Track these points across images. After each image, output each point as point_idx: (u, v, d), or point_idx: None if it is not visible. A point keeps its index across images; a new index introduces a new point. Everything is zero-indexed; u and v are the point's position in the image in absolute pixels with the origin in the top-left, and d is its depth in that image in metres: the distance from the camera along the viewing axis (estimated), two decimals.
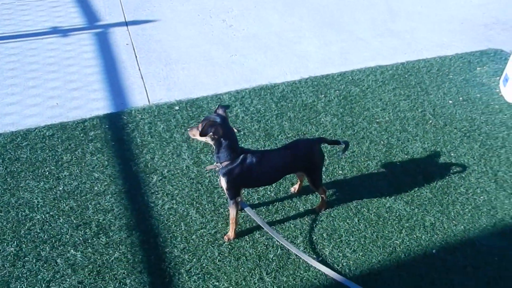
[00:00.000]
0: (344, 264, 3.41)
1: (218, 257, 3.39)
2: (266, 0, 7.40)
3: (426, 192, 4.05)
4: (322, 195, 3.76)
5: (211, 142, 3.15)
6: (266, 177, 3.45)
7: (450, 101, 5.43)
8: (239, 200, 3.39)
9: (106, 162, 4.15)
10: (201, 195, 3.88)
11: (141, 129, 4.54)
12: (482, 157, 4.54)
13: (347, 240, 3.58)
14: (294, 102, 5.15)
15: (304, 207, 3.85)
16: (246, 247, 3.48)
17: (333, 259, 3.45)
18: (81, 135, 4.43)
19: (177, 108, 4.87)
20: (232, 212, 3.42)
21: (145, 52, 5.76)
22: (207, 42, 6.15)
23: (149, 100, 4.97)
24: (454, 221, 3.79)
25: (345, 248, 3.53)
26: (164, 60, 5.66)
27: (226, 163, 3.19)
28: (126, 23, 6.23)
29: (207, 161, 4.23)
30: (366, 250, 3.51)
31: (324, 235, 3.62)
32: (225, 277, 3.24)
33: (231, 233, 3.52)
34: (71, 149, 4.25)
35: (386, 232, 3.67)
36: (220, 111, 3.18)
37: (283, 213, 3.79)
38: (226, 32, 6.44)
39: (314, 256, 3.44)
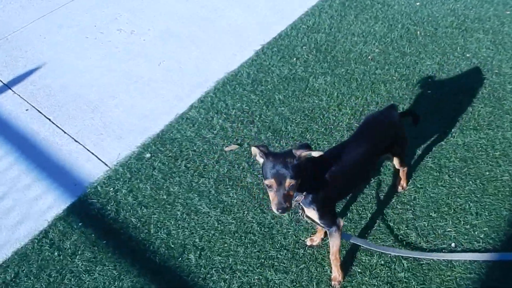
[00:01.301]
0: (477, 235, 2.65)
1: None
2: None
3: None
4: (405, 168, 2.91)
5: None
6: (360, 175, 2.54)
7: (417, 3, 4.83)
8: (341, 224, 2.41)
9: (115, 272, 2.81)
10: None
11: (125, 203, 3.21)
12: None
13: (458, 206, 2.83)
14: (272, 81, 4.13)
15: (371, 198, 2.98)
16: (370, 278, 2.54)
17: (462, 237, 2.67)
18: (51, 253, 2.99)
19: (148, 155, 3.58)
20: (337, 242, 2.45)
21: (55, 108, 4.22)
22: (119, 61, 4.76)
23: (106, 163, 3.60)
24: None
25: (464, 216, 2.77)
26: (86, 107, 4.20)
27: (305, 193, 2.21)
28: (7, 86, 4.54)
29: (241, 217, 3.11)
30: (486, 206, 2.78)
31: (431, 213, 2.82)
32: None
33: (338, 274, 2.55)
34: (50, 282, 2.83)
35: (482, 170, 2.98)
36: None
37: (361, 221, 2.89)
38: (132, 41, 5.07)
39: (444, 246, 2.64)
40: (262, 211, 3.02)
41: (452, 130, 3.37)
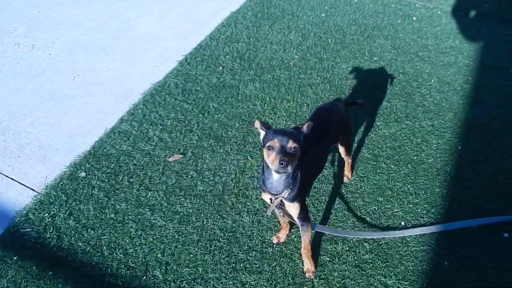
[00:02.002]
0: (419, 212, 2.99)
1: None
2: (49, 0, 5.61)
3: None
4: (350, 160, 3.14)
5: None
6: (320, 163, 2.68)
7: (323, 14, 5.24)
8: (310, 217, 2.51)
9: None
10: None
11: (67, 228, 2.90)
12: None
13: (399, 189, 3.16)
14: (202, 89, 4.11)
15: (327, 189, 3.19)
16: (339, 264, 2.68)
17: (409, 216, 2.99)
18: None
19: (83, 174, 3.29)
20: (308, 235, 2.55)
21: None
22: (25, 77, 4.30)
23: (33, 188, 3.21)
24: None
25: (406, 197, 3.10)
26: None
27: (291, 185, 2.27)
28: None
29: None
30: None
31: (378, 198, 3.10)
32: None
33: (311, 265, 2.65)
34: None
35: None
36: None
37: (318, 213, 3.06)
38: (36, 56, 4.63)
39: (395, 226, 2.91)
40: (221, 217, 2.99)
41: (378, 123, 3.72)
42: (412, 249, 2.76)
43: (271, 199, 2.34)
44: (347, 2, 5.49)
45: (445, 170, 3.29)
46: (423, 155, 3.43)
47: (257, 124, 2.16)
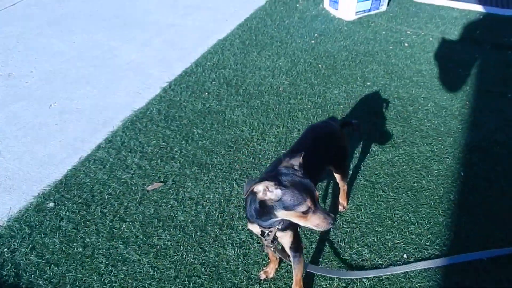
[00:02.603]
0: (423, 243, 2.70)
1: None
2: (30, 26, 5.45)
3: None
4: (345, 186, 2.87)
5: None
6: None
7: (312, 41, 5.11)
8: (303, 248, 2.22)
9: None
10: None
11: (27, 264, 2.55)
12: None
13: (399, 218, 2.88)
14: (186, 115, 3.88)
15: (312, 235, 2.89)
16: None
17: (411, 247, 2.69)
18: None
19: (52, 205, 2.98)
20: (301, 269, 2.24)
21: None
22: (1, 107, 4.07)
23: None
24: None
25: (407, 227, 2.82)
26: None
27: None
28: None
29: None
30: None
31: (377, 228, 2.81)
32: None
33: None
34: None
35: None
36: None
37: (311, 245, 2.76)
38: (13, 84, 4.40)
39: (397, 259, 2.61)
40: (203, 250, 2.67)
41: (374, 148, 3.48)
42: (416, 285, 2.45)
43: (263, 232, 2.05)
44: (337, 29, 5.38)
45: (448, 198, 3.02)
46: (423, 182, 3.17)
47: (259, 188, 1.75)
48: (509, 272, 2.48)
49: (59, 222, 2.86)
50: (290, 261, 2.22)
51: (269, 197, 1.75)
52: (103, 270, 2.55)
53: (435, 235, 2.75)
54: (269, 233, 2.01)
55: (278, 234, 2.05)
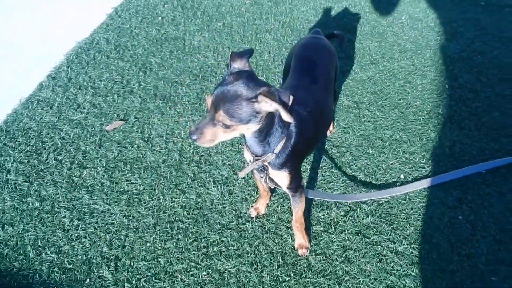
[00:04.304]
0: (418, 161, 2.54)
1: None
2: None
3: None
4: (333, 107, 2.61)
5: (256, 127, 1.52)
6: (325, 117, 2.06)
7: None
8: (304, 184, 1.96)
9: None
10: None
11: None
12: None
13: (390, 137, 2.70)
14: (140, 44, 3.38)
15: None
16: (336, 234, 2.16)
17: (407, 167, 2.53)
18: None
19: None
20: (302, 206, 1.98)
21: None
22: None
23: None
24: None
25: (399, 146, 2.63)
26: None
27: (279, 146, 1.67)
28: None
29: None
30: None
31: (368, 150, 2.61)
32: None
33: (304, 240, 2.10)
34: None
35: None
36: (241, 63, 1.50)
37: (302, 174, 2.52)
38: None
39: (394, 180, 2.43)
40: (182, 191, 2.35)
41: (353, 67, 3.20)
42: (418, 205, 2.29)
43: (251, 160, 1.75)
44: None
45: (437, 112, 2.84)
46: (409, 97, 2.96)
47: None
48: (510, 182, 2.38)
49: (6, 176, 2.41)
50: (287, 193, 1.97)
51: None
52: (68, 225, 2.19)
53: (429, 152, 2.58)
54: (254, 162, 1.71)
55: (271, 172, 1.76)
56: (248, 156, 1.76)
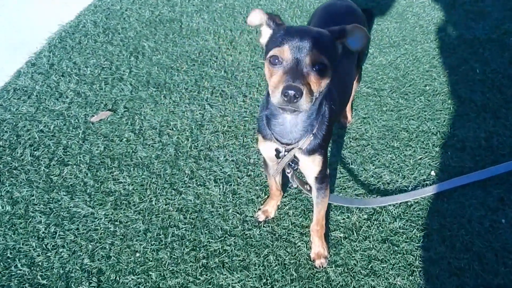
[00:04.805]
0: (450, 156, 2.20)
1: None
2: None
3: None
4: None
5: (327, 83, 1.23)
6: (346, 96, 1.84)
7: None
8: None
9: None
10: None
11: None
12: None
13: (416, 128, 2.36)
14: (132, 27, 3.04)
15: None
16: (359, 241, 1.83)
17: (438, 162, 2.18)
18: None
19: None
20: (325, 205, 1.68)
21: None
22: None
23: None
24: None
25: (428, 138, 2.29)
26: None
27: (315, 129, 1.38)
28: None
29: None
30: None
31: (393, 143, 2.28)
32: None
33: (323, 248, 1.78)
34: None
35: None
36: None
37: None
38: None
39: (424, 177, 2.09)
40: (178, 192, 2.02)
41: (371, 50, 2.85)
42: (452, 206, 1.95)
43: (278, 151, 1.43)
44: None
45: (469, 100, 2.49)
46: (435, 84, 2.61)
47: (256, 15, 1.27)
48: None
49: None
50: (309, 194, 1.64)
51: (263, 36, 1.31)
52: (43, 232, 1.86)
53: (463, 144, 2.24)
54: (287, 153, 1.39)
55: (302, 158, 1.44)
56: (270, 148, 1.43)
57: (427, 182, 2.07)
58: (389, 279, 1.71)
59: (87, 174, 2.10)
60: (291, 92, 1.07)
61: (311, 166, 1.47)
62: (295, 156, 1.44)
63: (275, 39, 1.19)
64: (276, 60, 1.15)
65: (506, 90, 2.55)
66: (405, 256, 1.78)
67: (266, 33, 1.28)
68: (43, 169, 2.12)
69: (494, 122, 2.35)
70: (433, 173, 2.11)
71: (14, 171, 2.11)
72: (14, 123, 2.35)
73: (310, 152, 1.42)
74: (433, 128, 2.33)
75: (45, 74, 2.66)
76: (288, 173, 1.55)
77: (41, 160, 2.16)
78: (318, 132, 1.39)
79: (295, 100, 1.08)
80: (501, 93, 2.53)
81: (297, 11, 3.22)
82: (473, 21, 3.12)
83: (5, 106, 2.44)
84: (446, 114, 2.41)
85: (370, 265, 1.75)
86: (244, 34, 2.99)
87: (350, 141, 2.26)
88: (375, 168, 2.13)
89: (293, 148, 1.39)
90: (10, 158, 2.17)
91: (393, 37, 2.98)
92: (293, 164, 1.46)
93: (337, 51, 1.25)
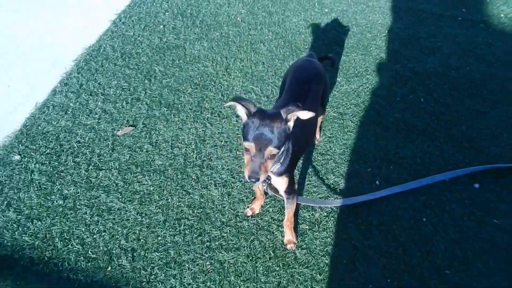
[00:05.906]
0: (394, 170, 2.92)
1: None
2: None
3: None
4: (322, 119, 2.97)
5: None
6: (311, 130, 2.50)
7: None
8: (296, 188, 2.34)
9: None
10: None
11: (7, 221, 2.45)
12: None
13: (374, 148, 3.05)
14: (144, 52, 3.68)
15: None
16: (319, 232, 2.54)
17: (384, 173, 2.90)
18: None
19: (17, 158, 2.81)
20: (294, 207, 2.39)
21: None
22: None
23: None
24: None
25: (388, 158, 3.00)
26: None
27: (283, 157, 2.09)
28: None
29: None
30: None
31: (350, 158, 2.97)
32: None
33: (293, 236, 2.49)
34: None
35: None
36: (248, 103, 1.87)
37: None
38: None
39: (377, 184, 2.81)
40: (187, 192, 2.70)
41: (339, 79, 3.55)
42: (389, 208, 2.67)
43: None
44: None
45: (413, 124, 3.21)
46: (387, 109, 3.33)
47: (232, 104, 1.83)
48: (470, 190, 2.78)
49: (30, 175, 2.73)
50: (283, 198, 2.33)
51: (242, 117, 1.86)
52: (89, 220, 2.53)
53: (403, 161, 2.97)
54: (268, 177, 2.08)
55: (274, 178, 2.12)
56: None
57: (373, 189, 2.79)
58: (338, 259, 2.43)
59: (117, 177, 2.76)
60: (253, 176, 1.78)
61: (280, 183, 2.16)
62: (268, 176, 2.12)
63: (248, 130, 1.79)
64: (247, 149, 1.81)
65: (443, 117, 3.28)
66: (352, 242, 2.50)
67: (243, 114, 1.84)
68: (83, 172, 2.77)
69: (429, 143, 3.08)
70: (377, 182, 2.84)
71: (61, 173, 2.76)
72: (56, 135, 2.99)
73: (279, 174, 2.10)
74: (382, 147, 3.05)
75: (76, 93, 3.29)
76: (263, 185, 2.23)
77: (81, 165, 2.81)
78: (284, 162, 2.06)
79: (257, 177, 1.78)
80: (438, 119, 3.26)
81: (281, 42, 3.89)
82: (425, 55, 3.85)
83: (48, 120, 3.08)
84: (393, 137, 3.13)
85: (326, 249, 2.46)
86: (237, 62, 3.66)
87: (318, 156, 2.97)
88: (335, 177, 2.84)
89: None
90: (57, 163, 2.82)
91: (357, 67, 3.68)
92: (267, 180, 2.15)
93: (289, 128, 1.84)
